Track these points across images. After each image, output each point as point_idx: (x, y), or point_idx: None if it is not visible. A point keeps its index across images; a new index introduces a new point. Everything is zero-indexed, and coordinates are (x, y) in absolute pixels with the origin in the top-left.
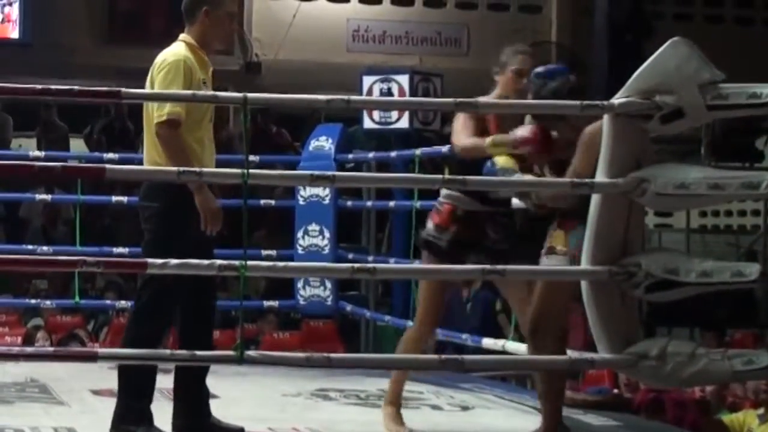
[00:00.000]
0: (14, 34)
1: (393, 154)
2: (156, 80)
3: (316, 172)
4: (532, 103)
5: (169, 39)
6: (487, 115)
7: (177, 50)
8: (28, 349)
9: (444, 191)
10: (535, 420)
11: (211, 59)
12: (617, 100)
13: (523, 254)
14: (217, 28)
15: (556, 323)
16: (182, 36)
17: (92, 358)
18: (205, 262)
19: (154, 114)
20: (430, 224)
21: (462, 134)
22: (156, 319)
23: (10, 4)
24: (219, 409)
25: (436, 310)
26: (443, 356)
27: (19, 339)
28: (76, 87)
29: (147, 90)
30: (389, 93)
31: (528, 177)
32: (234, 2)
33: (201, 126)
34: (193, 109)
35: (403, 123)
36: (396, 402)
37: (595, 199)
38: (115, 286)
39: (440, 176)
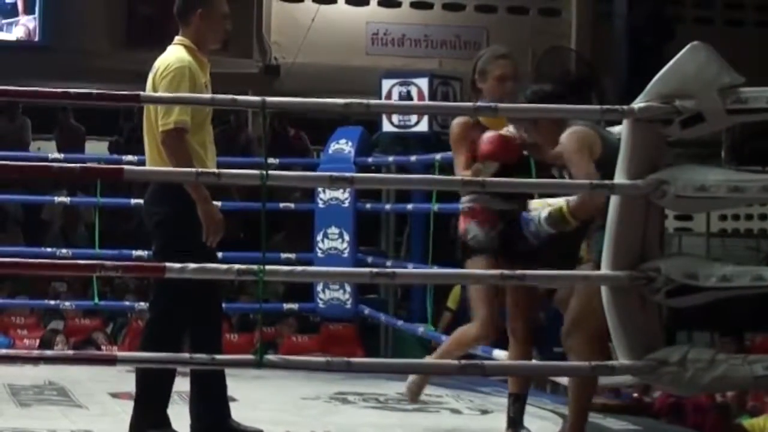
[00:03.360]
0: (34, 37)
1: (413, 158)
2: (160, 85)
3: (335, 174)
4: (549, 107)
5: None
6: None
7: (179, 55)
8: (48, 352)
9: (466, 197)
10: (554, 424)
11: (229, 62)
12: (637, 104)
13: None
14: (212, 30)
15: (592, 326)
16: (178, 39)
17: (111, 361)
18: (223, 266)
19: (159, 122)
20: (471, 226)
21: (460, 168)
22: (173, 328)
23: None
24: (238, 412)
25: (495, 310)
26: (463, 361)
27: (38, 341)
28: (94, 90)
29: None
30: (408, 96)
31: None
32: (225, 3)
33: (203, 129)
34: (196, 113)
35: (423, 126)
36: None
37: (613, 203)
38: (135, 289)
39: (459, 177)
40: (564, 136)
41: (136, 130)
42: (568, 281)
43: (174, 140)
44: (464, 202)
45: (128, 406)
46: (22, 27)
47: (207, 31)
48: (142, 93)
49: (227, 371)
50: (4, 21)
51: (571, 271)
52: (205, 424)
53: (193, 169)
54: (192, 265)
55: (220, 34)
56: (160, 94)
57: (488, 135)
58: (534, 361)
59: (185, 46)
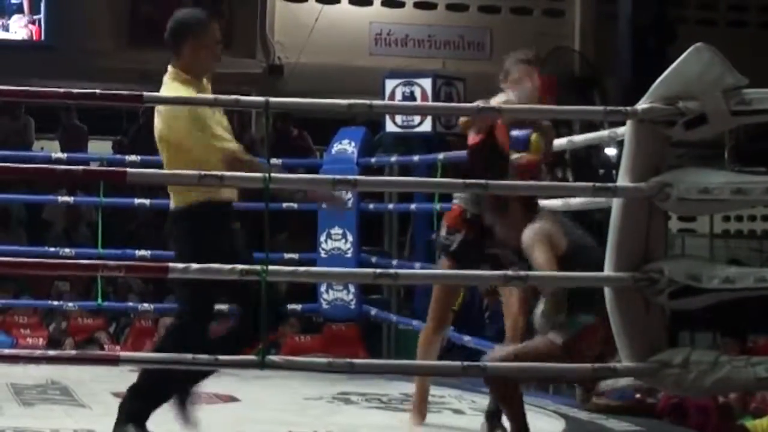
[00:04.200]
0: (37, 37)
1: (416, 158)
2: (183, 133)
3: (339, 176)
4: (553, 108)
5: None
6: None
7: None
8: (51, 352)
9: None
10: (557, 424)
11: (232, 62)
12: (640, 106)
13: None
14: (204, 58)
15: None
16: (171, 70)
17: (114, 361)
18: (227, 267)
19: (215, 145)
20: (443, 227)
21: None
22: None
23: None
24: (241, 412)
25: (447, 307)
26: (465, 363)
27: (41, 341)
28: (97, 90)
29: (164, 94)
30: (412, 96)
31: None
32: (217, 29)
33: None
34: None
35: (426, 126)
36: (420, 404)
37: (615, 205)
38: (138, 290)
39: (462, 180)
40: (526, 231)
41: (141, 131)
42: (571, 283)
43: (233, 163)
44: (454, 198)
45: None
46: (26, 28)
47: (198, 59)
48: (145, 93)
49: (230, 370)
50: (9, 21)
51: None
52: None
53: (196, 172)
54: (194, 266)
55: (211, 62)
56: (164, 95)
57: None
58: (535, 363)
59: (181, 81)
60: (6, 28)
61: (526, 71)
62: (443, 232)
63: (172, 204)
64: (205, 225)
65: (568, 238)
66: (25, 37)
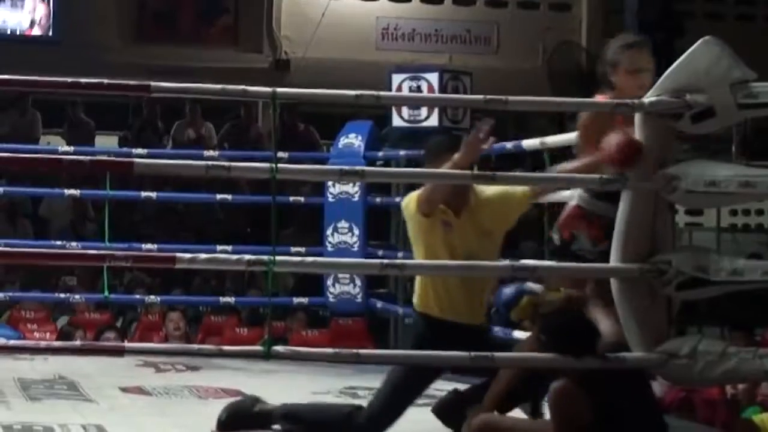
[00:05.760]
0: (44, 32)
1: (423, 152)
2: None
3: (345, 167)
4: (560, 101)
5: (198, 38)
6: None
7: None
8: (56, 343)
9: (581, 195)
10: None
11: (239, 57)
12: (648, 98)
13: None
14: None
15: None
16: None
17: (120, 352)
18: (234, 257)
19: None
20: (581, 235)
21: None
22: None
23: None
24: None
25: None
26: (473, 354)
27: (48, 335)
28: (105, 80)
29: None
30: (418, 91)
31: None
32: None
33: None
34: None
35: (433, 121)
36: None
37: (622, 197)
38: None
39: (469, 172)
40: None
41: (145, 125)
42: (579, 274)
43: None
44: (571, 198)
45: (138, 401)
46: (38, 22)
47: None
48: (152, 83)
49: (237, 365)
50: (19, 15)
51: (581, 264)
52: None
53: (204, 163)
54: (203, 256)
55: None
56: (171, 85)
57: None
58: (543, 354)
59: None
60: (17, 25)
61: (635, 56)
62: (585, 243)
63: None
64: (417, 333)
65: None
66: (35, 33)
